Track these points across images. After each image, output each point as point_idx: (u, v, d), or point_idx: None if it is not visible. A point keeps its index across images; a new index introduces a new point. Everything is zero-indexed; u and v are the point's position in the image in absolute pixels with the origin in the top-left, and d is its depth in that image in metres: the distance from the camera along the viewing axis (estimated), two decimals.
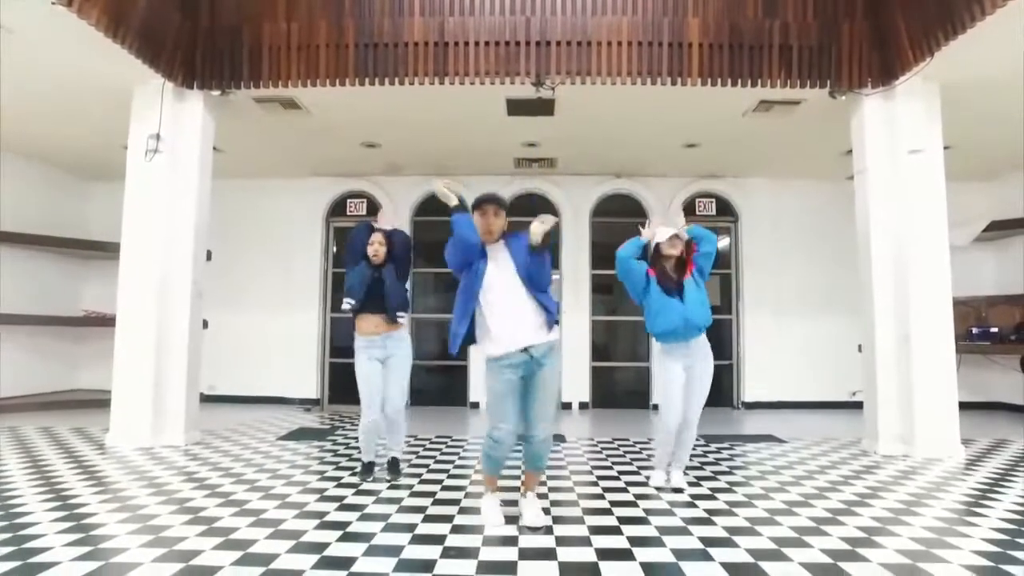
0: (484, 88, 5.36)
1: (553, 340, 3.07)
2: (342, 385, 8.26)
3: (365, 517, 3.23)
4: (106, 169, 7.65)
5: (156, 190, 5.21)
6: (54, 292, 8.01)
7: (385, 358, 3.98)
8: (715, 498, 3.60)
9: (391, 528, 3.05)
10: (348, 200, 8.56)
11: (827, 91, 5.25)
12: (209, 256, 8.42)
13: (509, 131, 6.62)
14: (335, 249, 8.55)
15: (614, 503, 3.50)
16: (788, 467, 4.42)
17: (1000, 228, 7.66)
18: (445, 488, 3.83)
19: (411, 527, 3.06)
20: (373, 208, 8.43)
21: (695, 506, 3.44)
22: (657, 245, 3.86)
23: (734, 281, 8.36)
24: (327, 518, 3.20)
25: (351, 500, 3.54)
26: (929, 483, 3.96)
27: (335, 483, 3.92)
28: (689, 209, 8.34)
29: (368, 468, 4.09)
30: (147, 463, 4.42)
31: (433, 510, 3.36)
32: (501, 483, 3.71)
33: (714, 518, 3.20)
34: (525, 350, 2.98)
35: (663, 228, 3.92)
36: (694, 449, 4.94)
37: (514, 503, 3.26)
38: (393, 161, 7.78)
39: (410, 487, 3.85)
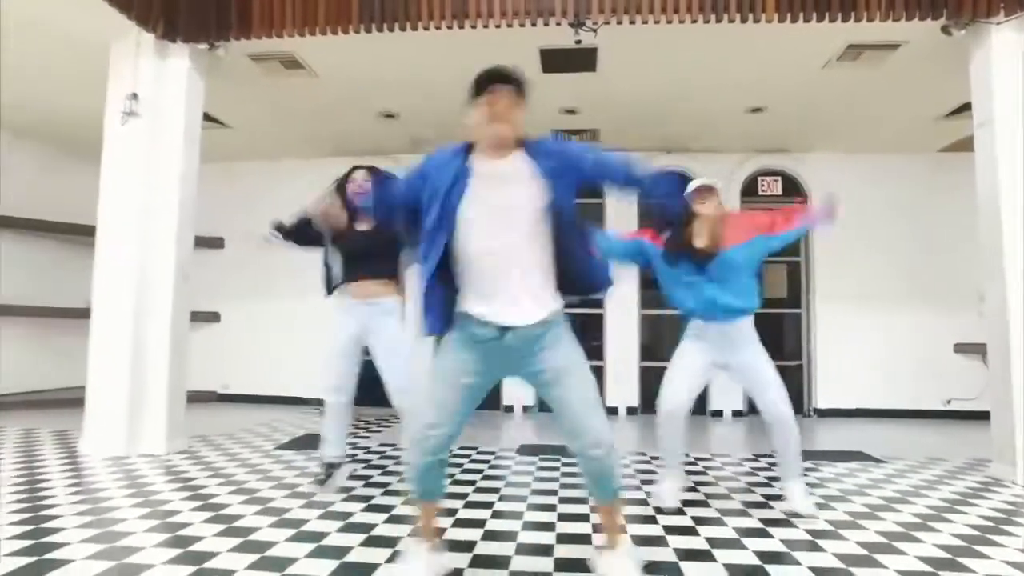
0: (513, 35, 4.49)
1: (551, 313, 2.00)
2: (362, 383, 7.53)
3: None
4: None
5: (134, 159, 4.51)
6: (60, 282, 7.49)
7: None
8: (818, 547, 2.65)
9: None
10: None
11: (940, 24, 4.21)
12: (223, 244, 8.03)
13: (545, 94, 5.71)
14: None
15: (684, 554, 2.59)
16: (902, 500, 3.40)
17: None
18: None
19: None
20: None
21: (791, 560, 2.49)
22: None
23: (803, 270, 7.28)
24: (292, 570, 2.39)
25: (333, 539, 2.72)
26: None
27: (322, 511, 3.11)
28: (750, 189, 7.32)
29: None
30: (107, 477, 3.71)
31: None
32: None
33: None
34: (501, 331, 1.95)
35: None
36: (769, 468, 3.99)
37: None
38: (416, 135, 6.98)
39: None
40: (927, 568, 2.41)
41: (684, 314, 3.14)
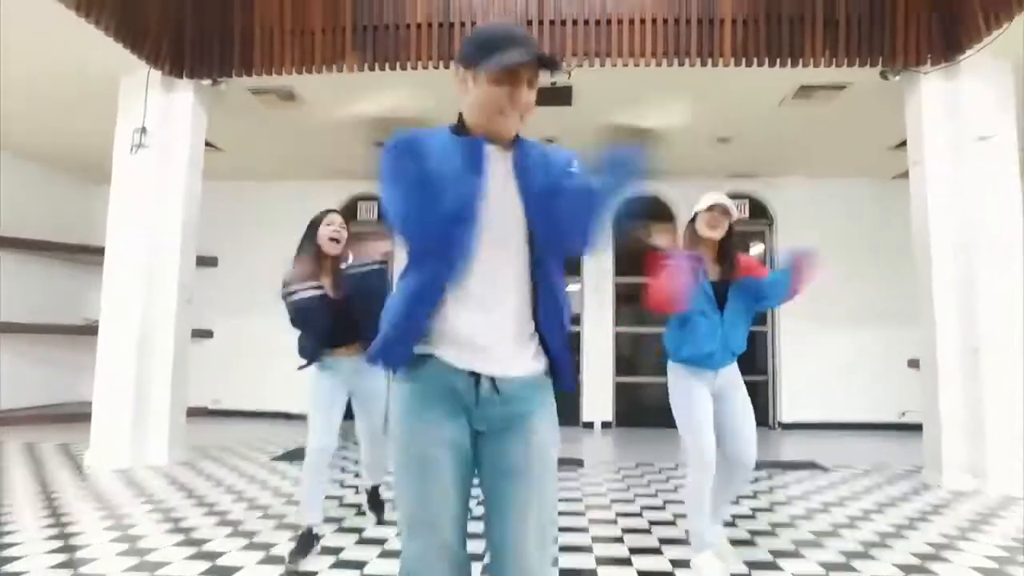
0: None
1: (540, 370, 1.38)
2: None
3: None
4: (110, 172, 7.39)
5: (142, 187, 4.82)
6: (57, 300, 7.74)
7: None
8: (754, 544, 3.02)
9: None
10: (359, 203, 8.15)
11: (878, 71, 4.66)
12: (216, 263, 8.31)
13: (526, 125, 6.11)
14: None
15: (634, 550, 2.94)
16: (838, 504, 3.78)
17: None
18: None
19: None
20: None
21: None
22: (693, 217, 2.67)
23: None
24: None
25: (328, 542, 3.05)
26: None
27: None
28: None
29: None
30: (113, 487, 4.00)
31: None
32: None
33: (755, 574, 2.63)
34: (477, 379, 1.32)
35: (709, 194, 2.66)
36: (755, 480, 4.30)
37: None
38: None
39: None
40: (842, 559, 2.79)
41: (687, 358, 2.63)
